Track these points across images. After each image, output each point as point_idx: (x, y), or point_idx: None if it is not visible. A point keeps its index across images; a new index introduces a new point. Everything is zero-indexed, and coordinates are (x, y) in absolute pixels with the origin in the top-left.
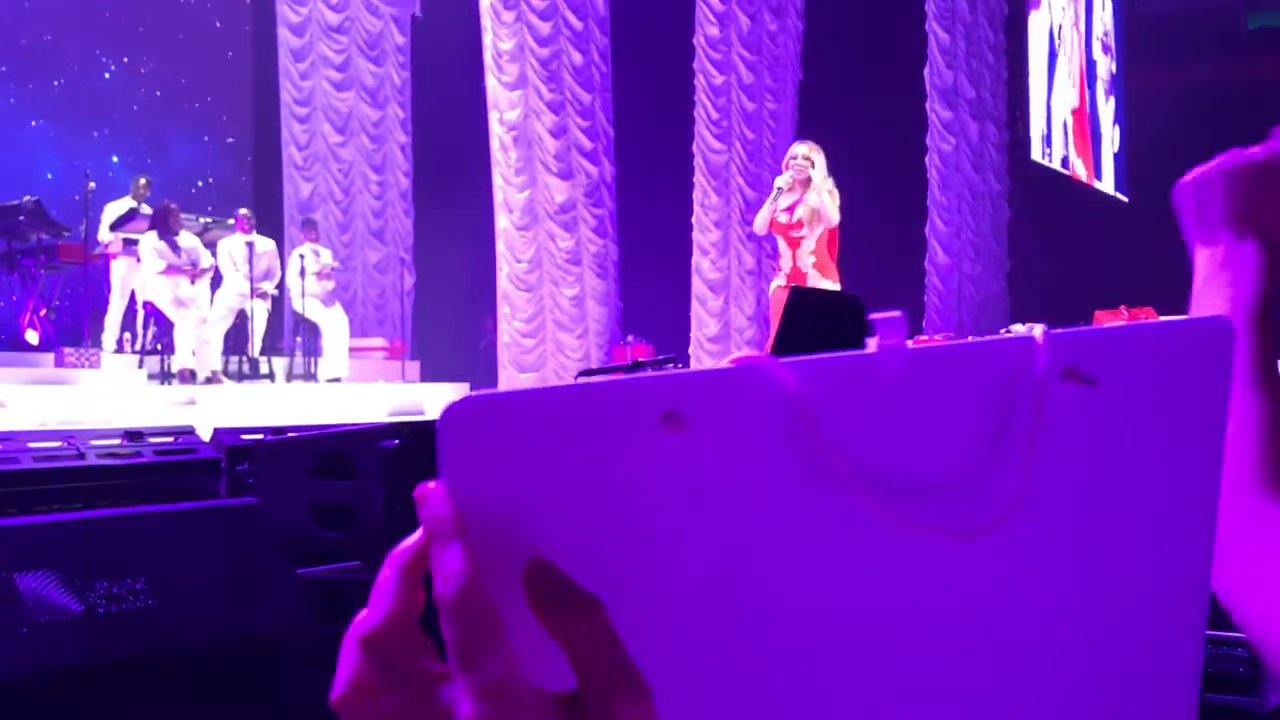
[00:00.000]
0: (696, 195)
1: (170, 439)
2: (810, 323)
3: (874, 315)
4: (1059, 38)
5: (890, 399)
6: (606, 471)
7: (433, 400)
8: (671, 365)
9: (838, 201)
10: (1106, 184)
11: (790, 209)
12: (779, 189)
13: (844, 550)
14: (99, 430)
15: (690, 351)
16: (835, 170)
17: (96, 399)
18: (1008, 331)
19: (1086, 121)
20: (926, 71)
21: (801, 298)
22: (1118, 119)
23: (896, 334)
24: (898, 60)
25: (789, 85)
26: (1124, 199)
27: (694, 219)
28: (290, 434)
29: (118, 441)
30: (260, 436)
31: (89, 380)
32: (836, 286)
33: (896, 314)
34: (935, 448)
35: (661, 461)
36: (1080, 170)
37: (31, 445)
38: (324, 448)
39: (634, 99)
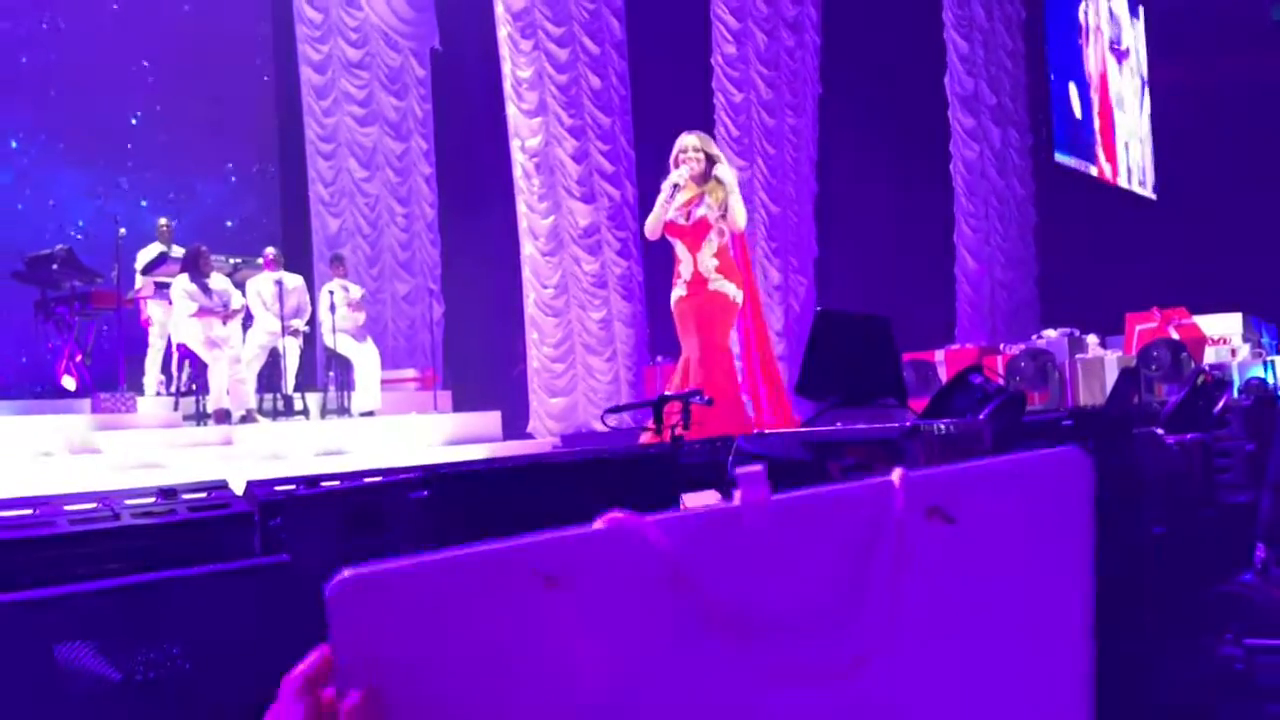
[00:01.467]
0: None
1: (204, 494)
2: (837, 345)
3: (738, 470)
4: (1083, 37)
5: (757, 549)
6: (488, 635)
7: (479, 427)
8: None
9: (740, 201)
10: (1134, 182)
11: (687, 209)
12: (674, 185)
13: (718, 698)
14: (133, 490)
15: None
16: (862, 181)
17: (134, 444)
18: (1040, 338)
19: (1111, 119)
20: (947, 80)
21: (827, 320)
22: (1143, 115)
23: (760, 488)
24: (917, 70)
25: (808, 100)
26: (1152, 196)
27: None
28: (323, 483)
29: (152, 500)
30: (293, 487)
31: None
32: (740, 290)
33: (757, 469)
34: (802, 593)
35: (539, 622)
36: (1107, 169)
37: (67, 508)
38: (355, 501)
39: (654, 120)
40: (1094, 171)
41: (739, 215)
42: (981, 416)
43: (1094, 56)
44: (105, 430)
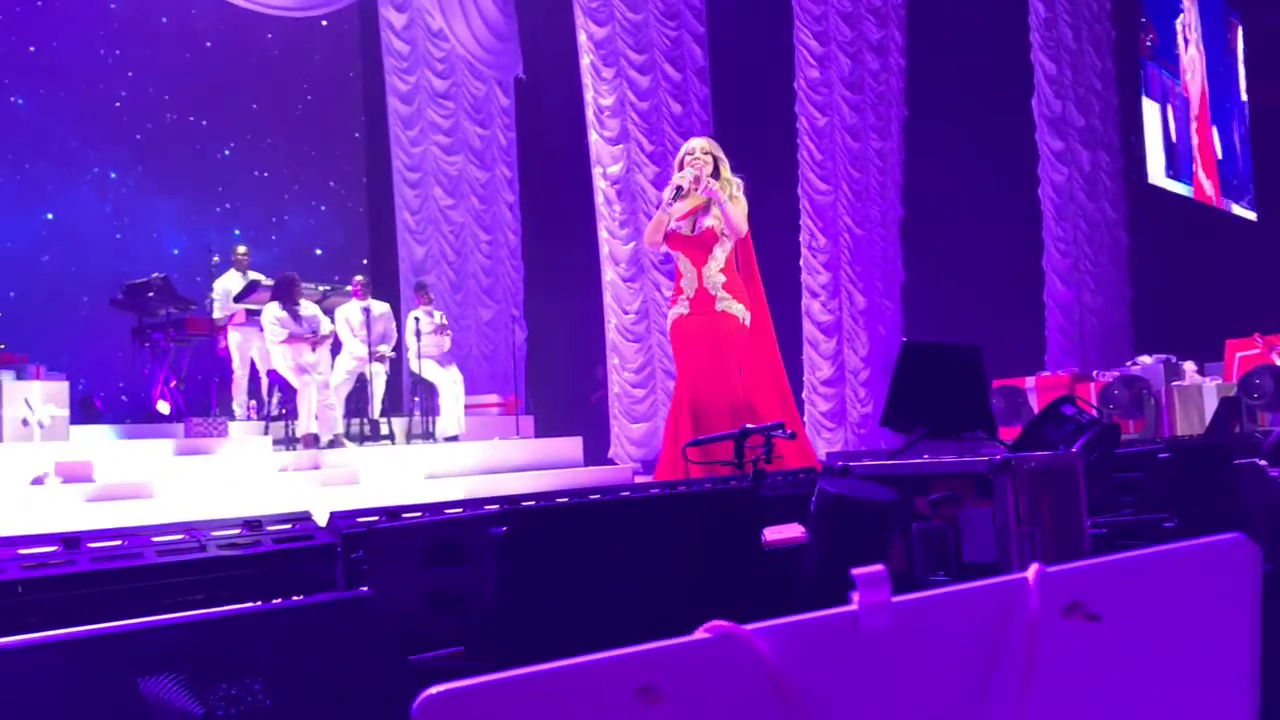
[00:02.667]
0: (803, 237)
1: (288, 526)
2: (924, 376)
3: (855, 571)
4: (1179, 55)
5: (875, 655)
6: None
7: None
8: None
9: (744, 209)
10: (1233, 203)
11: (691, 218)
12: (677, 188)
13: None
14: (219, 521)
15: (804, 395)
16: (948, 205)
17: (224, 468)
18: (1134, 365)
19: (1209, 138)
20: (1034, 102)
21: (913, 351)
22: (1242, 134)
23: (879, 589)
24: (1004, 92)
25: (894, 123)
26: (1253, 216)
27: (802, 261)
28: (405, 515)
29: (237, 531)
30: (376, 518)
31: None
32: (748, 311)
33: (879, 568)
34: (920, 702)
35: None
36: (1207, 187)
37: (155, 540)
38: (435, 536)
39: (736, 145)
40: (1189, 192)
41: (739, 218)
42: (1074, 449)
43: (1191, 74)
44: (195, 455)
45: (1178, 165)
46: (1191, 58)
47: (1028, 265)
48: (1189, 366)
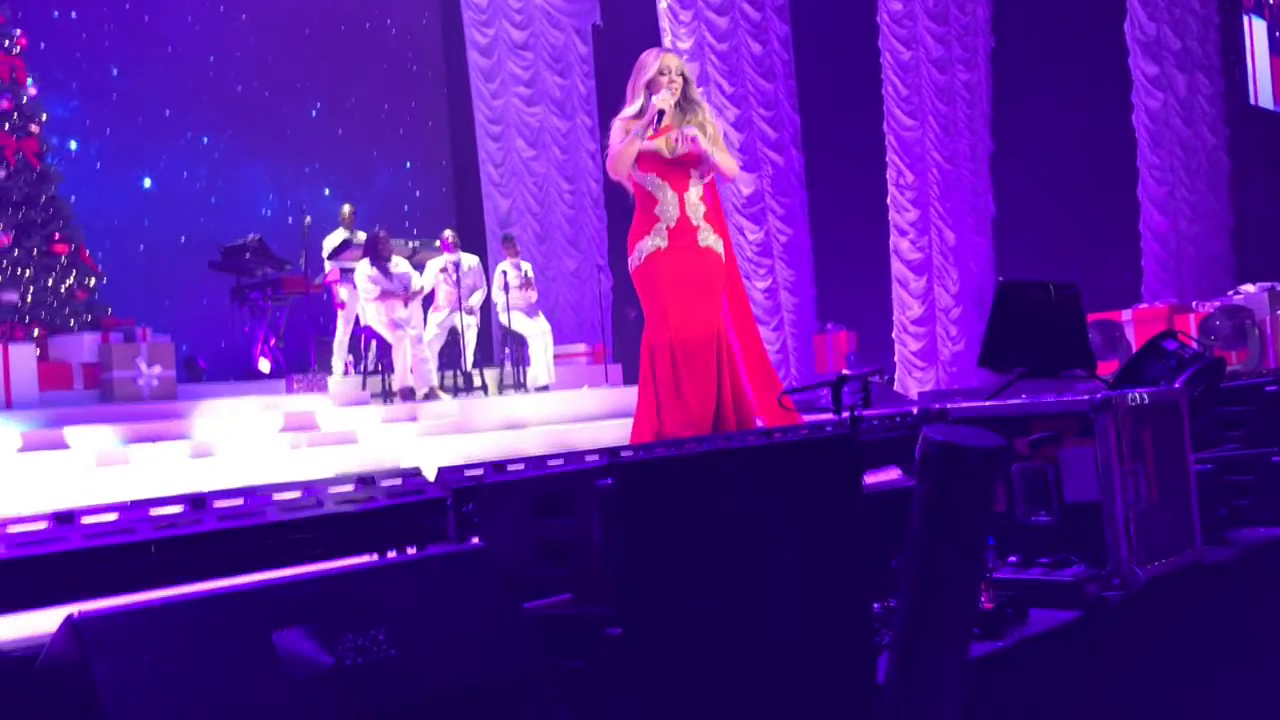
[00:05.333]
0: (890, 175)
1: (399, 481)
2: (1021, 316)
3: None
4: None
5: None
6: None
7: None
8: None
9: (722, 143)
10: None
11: (665, 139)
12: (660, 111)
13: None
14: (334, 479)
15: (894, 335)
16: (1039, 137)
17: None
18: (1236, 294)
19: None
20: (1126, 26)
21: (1010, 291)
22: None
23: None
24: (1093, 17)
25: (980, 54)
26: None
27: (889, 199)
28: (510, 467)
29: (351, 488)
30: (481, 472)
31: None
32: (723, 246)
33: None
34: None
35: None
36: None
37: (276, 497)
38: (543, 489)
39: (819, 83)
40: None
41: (729, 162)
42: (1177, 385)
43: None
44: (304, 410)
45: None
46: None
47: (1122, 195)
48: None
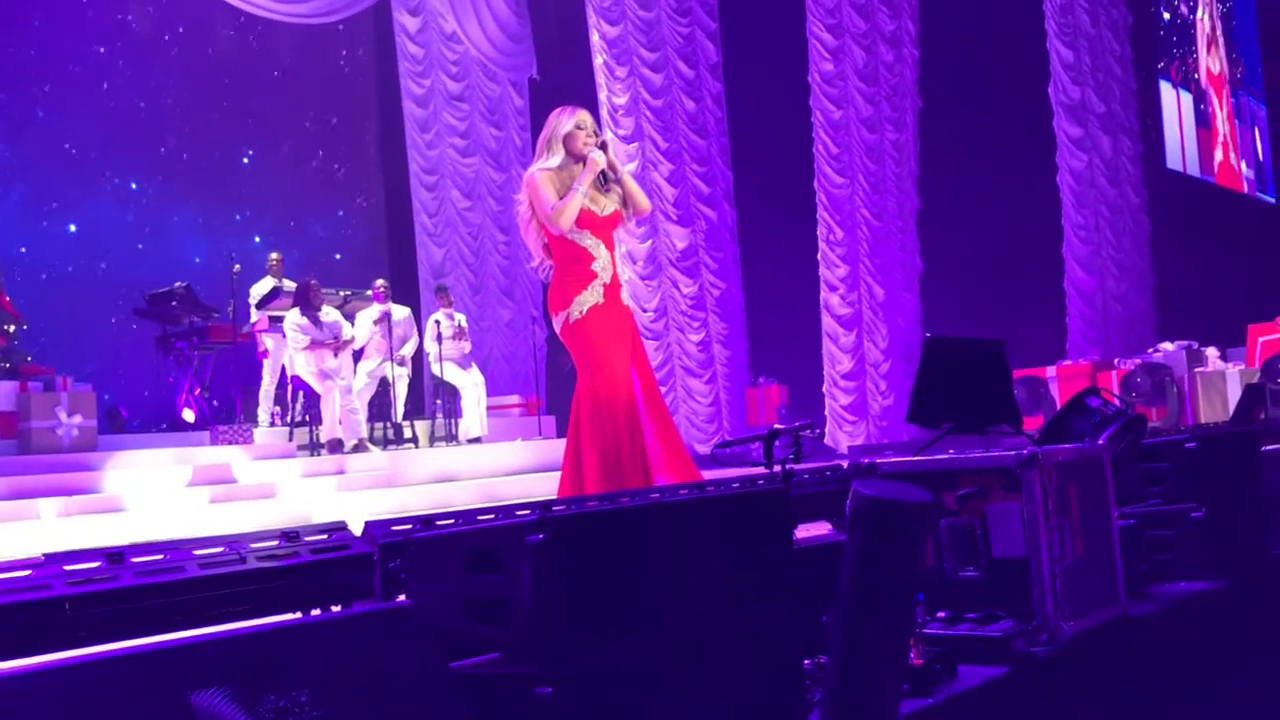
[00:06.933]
0: (821, 231)
1: (324, 536)
2: (948, 371)
3: None
4: (1196, 40)
5: None
6: None
7: None
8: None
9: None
10: (1253, 187)
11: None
12: (597, 164)
13: None
14: (257, 533)
15: (824, 389)
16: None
17: (251, 475)
18: (1156, 352)
19: (1230, 123)
20: (1050, 89)
21: (936, 347)
22: (1259, 119)
23: None
24: (1020, 80)
25: (909, 114)
26: (1272, 200)
27: (819, 255)
28: (439, 523)
29: (275, 543)
30: (410, 527)
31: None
32: None
33: None
34: None
35: None
36: (1225, 174)
37: (196, 553)
38: (473, 544)
39: (751, 140)
40: (1211, 178)
41: (642, 195)
42: (1101, 440)
43: (1209, 60)
44: (221, 463)
45: (1197, 151)
46: (1210, 44)
47: (1046, 253)
48: (1211, 353)
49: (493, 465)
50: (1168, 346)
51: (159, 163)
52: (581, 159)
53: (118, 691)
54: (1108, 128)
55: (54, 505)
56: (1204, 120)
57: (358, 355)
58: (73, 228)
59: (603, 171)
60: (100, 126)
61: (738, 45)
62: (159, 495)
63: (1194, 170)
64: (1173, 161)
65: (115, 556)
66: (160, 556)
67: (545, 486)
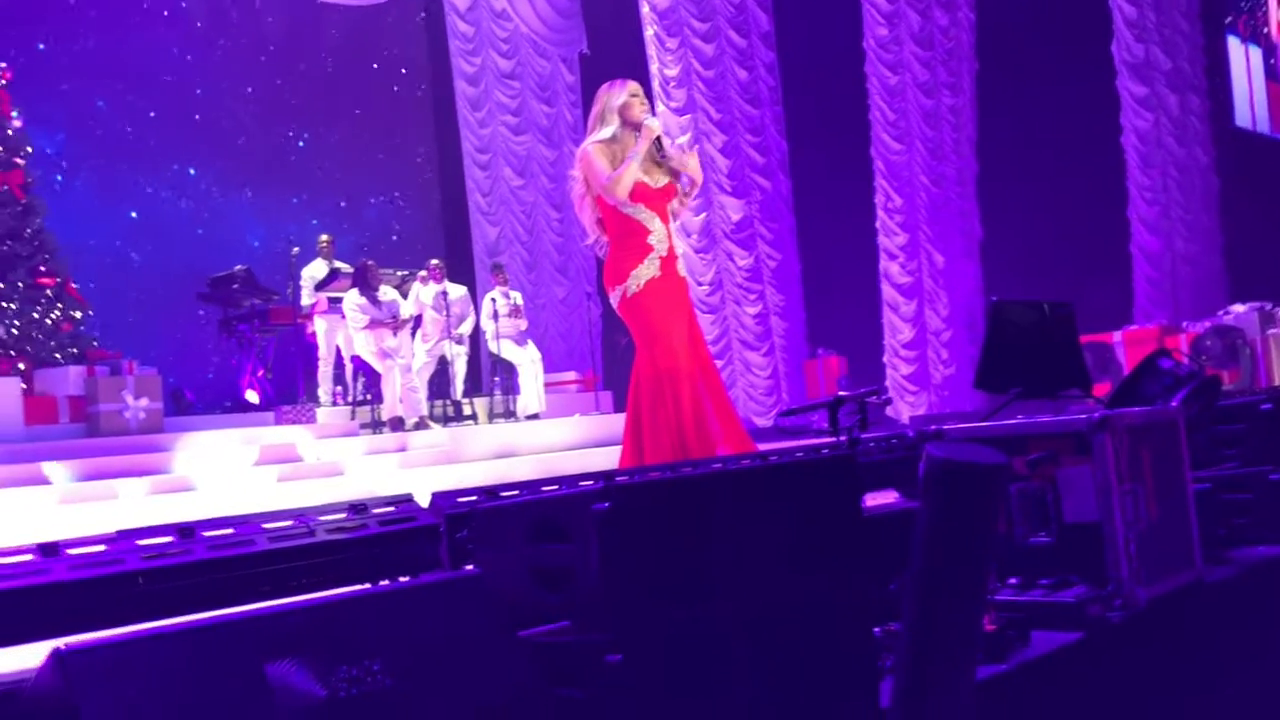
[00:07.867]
0: (879, 199)
1: (391, 508)
2: (1015, 335)
3: None
4: None
5: None
6: None
7: None
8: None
9: None
10: None
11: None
12: (652, 130)
13: None
14: (325, 506)
15: (885, 359)
16: (1026, 159)
17: (316, 453)
18: (1226, 314)
19: None
20: (1113, 48)
21: (1003, 310)
22: None
23: None
24: (1080, 40)
25: (965, 77)
26: None
27: (878, 223)
28: (503, 494)
29: (343, 515)
30: (475, 498)
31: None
32: None
33: None
34: None
35: None
36: None
37: (265, 526)
38: (538, 514)
39: (806, 109)
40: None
41: (698, 168)
42: (1174, 404)
43: (1278, 13)
44: (286, 442)
45: (1267, 106)
46: None
47: (1110, 216)
48: None
49: (551, 440)
50: (1238, 308)
51: (216, 148)
52: (637, 127)
53: (192, 662)
54: (1174, 85)
55: (130, 485)
56: (1274, 75)
57: (414, 330)
58: (134, 214)
59: (657, 139)
60: (158, 114)
61: (790, 12)
62: (228, 475)
63: (1264, 128)
64: (1241, 119)
65: (186, 531)
66: (230, 531)
67: (603, 460)
